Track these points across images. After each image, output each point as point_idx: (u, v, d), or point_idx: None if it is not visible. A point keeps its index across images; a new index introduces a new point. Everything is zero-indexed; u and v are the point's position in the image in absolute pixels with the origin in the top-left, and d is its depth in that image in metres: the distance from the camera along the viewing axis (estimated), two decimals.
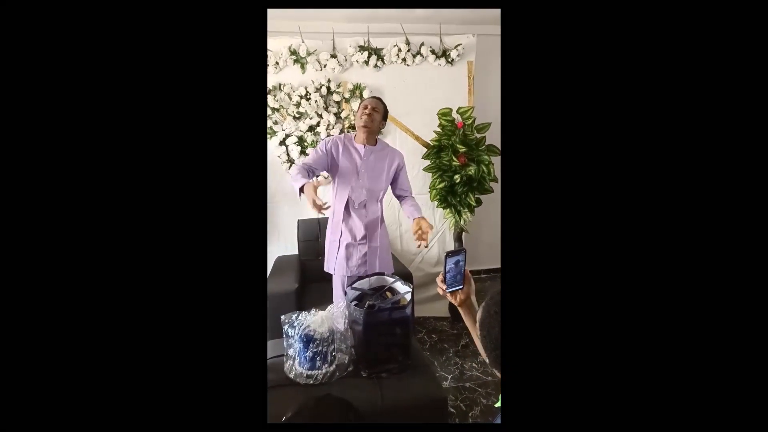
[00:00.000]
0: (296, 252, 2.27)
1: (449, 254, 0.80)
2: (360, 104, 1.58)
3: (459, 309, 0.85)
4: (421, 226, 1.45)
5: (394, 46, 2.23)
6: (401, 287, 1.27)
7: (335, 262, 1.61)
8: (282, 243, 2.34)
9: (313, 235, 2.24)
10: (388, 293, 1.26)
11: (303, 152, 2.28)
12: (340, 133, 2.30)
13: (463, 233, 2.32)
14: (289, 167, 2.28)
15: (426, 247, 1.64)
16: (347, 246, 1.58)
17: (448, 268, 0.80)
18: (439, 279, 0.82)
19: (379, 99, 1.63)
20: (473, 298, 0.86)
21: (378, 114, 1.55)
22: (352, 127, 2.27)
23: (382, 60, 2.25)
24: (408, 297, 1.21)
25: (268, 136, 2.23)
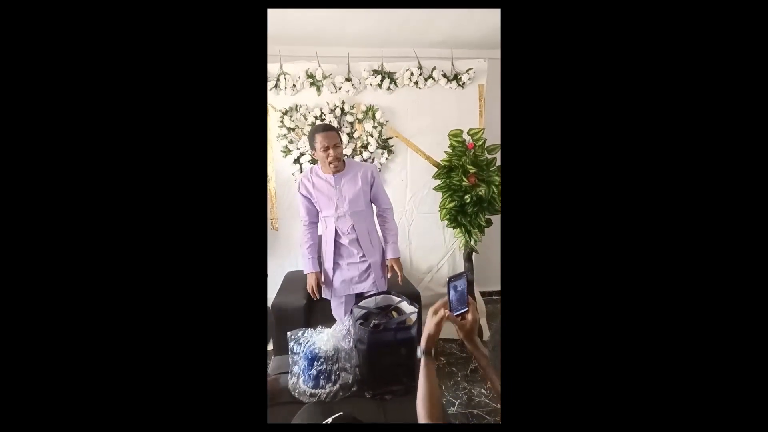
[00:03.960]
0: None
1: (451, 279, 0.81)
2: (317, 143, 1.48)
3: (465, 342, 0.83)
4: (395, 269, 1.60)
5: (407, 70, 2.29)
6: (407, 307, 1.27)
7: (332, 288, 1.64)
8: (292, 258, 2.37)
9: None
10: (393, 313, 1.26)
11: None
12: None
13: (473, 254, 2.31)
14: None
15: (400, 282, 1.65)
16: (344, 269, 1.62)
17: (450, 293, 0.81)
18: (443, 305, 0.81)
19: (331, 127, 1.55)
20: (483, 322, 0.84)
21: (340, 148, 1.50)
22: (365, 146, 2.32)
23: (395, 83, 2.31)
24: (414, 317, 1.20)
25: (283, 154, 2.30)
